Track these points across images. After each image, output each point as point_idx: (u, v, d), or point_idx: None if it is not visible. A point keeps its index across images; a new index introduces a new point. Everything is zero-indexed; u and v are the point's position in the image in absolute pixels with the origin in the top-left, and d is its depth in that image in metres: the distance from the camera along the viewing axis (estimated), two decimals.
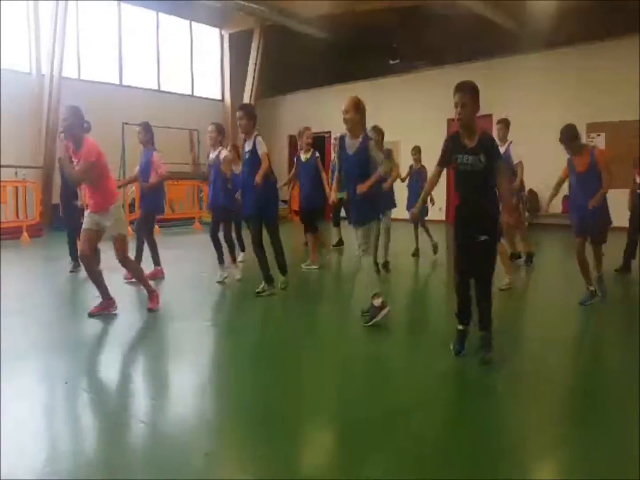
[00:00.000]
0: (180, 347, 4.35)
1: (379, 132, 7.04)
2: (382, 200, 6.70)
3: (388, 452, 2.57)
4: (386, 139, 7.25)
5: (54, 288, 6.69)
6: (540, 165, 12.61)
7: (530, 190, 13.74)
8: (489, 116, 14.13)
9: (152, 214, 7.03)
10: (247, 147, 5.88)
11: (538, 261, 7.92)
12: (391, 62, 17.86)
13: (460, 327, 3.90)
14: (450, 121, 14.92)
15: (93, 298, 5.38)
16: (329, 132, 16.44)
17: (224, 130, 6.82)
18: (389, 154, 7.26)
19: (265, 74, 18.58)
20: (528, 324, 5.18)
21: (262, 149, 5.78)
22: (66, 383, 3.46)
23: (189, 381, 3.63)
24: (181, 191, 15.00)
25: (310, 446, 2.81)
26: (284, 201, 16.17)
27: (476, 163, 3.68)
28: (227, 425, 2.94)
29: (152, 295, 5.32)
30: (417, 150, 8.80)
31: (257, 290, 5.91)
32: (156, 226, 12.63)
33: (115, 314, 5.12)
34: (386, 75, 17.18)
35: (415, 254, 8.82)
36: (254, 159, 5.78)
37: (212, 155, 6.68)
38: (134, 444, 2.70)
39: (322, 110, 17.69)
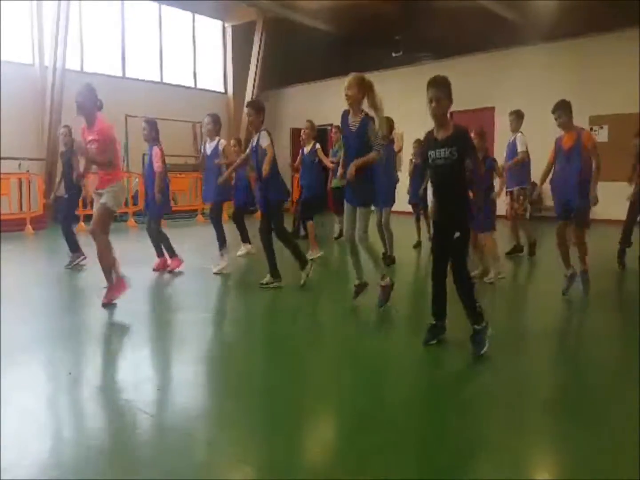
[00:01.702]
0: (184, 338, 4.39)
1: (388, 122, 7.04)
2: (382, 187, 6.72)
3: (390, 449, 2.61)
4: None
5: (56, 279, 6.72)
6: (541, 158, 12.59)
7: (533, 183, 13.74)
8: (492, 109, 14.14)
9: (160, 216, 7.12)
10: (254, 142, 5.88)
11: (538, 254, 7.95)
12: (394, 54, 17.81)
13: (432, 321, 3.95)
14: (452, 114, 14.88)
15: (95, 288, 5.42)
16: (331, 124, 16.41)
17: (220, 121, 6.86)
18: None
19: (268, 66, 18.52)
20: (520, 317, 5.21)
21: (265, 142, 5.76)
22: (70, 374, 3.50)
23: (192, 372, 3.66)
24: (184, 183, 15.01)
25: (311, 437, 2.85)
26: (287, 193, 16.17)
27: (447, 156, 3.69)
28: (230, 415, 2.97)
29: (110, 287, 5.10)
30: (418, 143, 8.81)
31: (261, 282, 5.92)
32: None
33: (115, 304, 5.12)
34: (389, 68, 17.13)
35: (417, 246, 8.88)
36: (260, 153, 5.79)
37: (210, 146, 6.71)
38: (137, 434, 2.73)
39: (324, 103, 17.64)
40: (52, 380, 3.51)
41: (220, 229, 6.78)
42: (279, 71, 18.49)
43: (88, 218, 8.07)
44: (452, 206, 3.78)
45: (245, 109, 5.89)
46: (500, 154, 7.85)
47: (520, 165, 7.53)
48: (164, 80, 17.72)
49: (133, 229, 12.29)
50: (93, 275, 6.78)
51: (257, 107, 5.81)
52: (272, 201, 5.82)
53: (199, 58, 18.84)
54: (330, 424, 2.96)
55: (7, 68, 13.56)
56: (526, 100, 14.02)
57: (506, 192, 7.44)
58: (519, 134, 7.55)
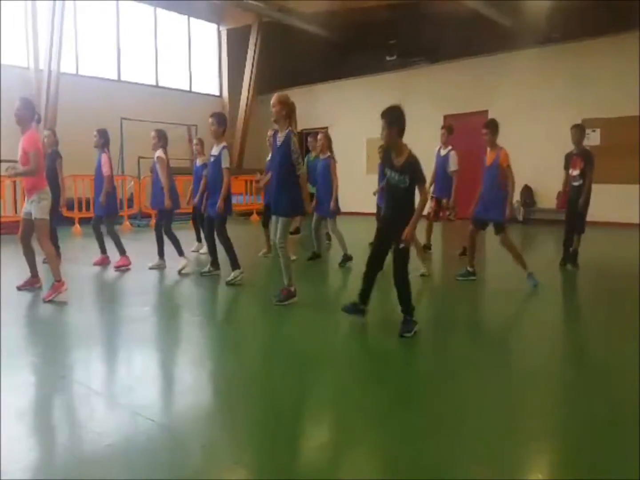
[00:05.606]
0: (173, 340, 4.41)
1: (326, 137, 7.81)
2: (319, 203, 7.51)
3: (383, 451, 2.63)
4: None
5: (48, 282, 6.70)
6: (535, 160, 12.68)
7: (526, 186, 13.82)
8: (485, 112, 14.22)
9: (111, 215, 7.62)
10: (214, 151, 6.31)
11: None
12: (388, 58, 17.85)
13: (357, 303, 4.53)
14: (446, 117, 14.95)
15: (84, 291, 5.42)
16: (326, 127, 16.49)
17: (164, 133, 7.20)
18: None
19: (263, 70, 18.56)
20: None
21: (225, 163, 6.15)
22: (63, 377, 3.50)
23: (184, 374, 3.68)
24: (179, 186, 14.97)
25: (306, 440, 2.85)
26: None
27: (401, 180, 4.13)
28: (224, 417, 2.99)
29: (56, 285, 5.48)
30: (382, 149, 8.94)
31: (227, 279, 6.24)
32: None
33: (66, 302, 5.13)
34: (383, 72, 17.20)
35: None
36: (217, 165, 6.19)
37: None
38: (131, 436, 2.74)
39: (319, 107, 17.76)
40: (46, 384, 3.50)
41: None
42: (274, 75, 18.52)
43: (82, 221, 8.04)
44: (397, 217, 4.18)
45: (209, 119, 6.22)
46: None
47: (450, 178, 7.94)
48: (159, 84, 17.73)
49: (128, 231, 12.27)
50: (81, 278, 6.79)
51: (218, 118, 6.23)
52: (222, 216, 6.24)
53: (194, 61, 18.87)
54: (326, 427, 2.96)
55: (1, 71, 13.53)
56: (519, 104, 14.15)
57: (432, 198, 8.02)
58: (452, 152, 7.93)
